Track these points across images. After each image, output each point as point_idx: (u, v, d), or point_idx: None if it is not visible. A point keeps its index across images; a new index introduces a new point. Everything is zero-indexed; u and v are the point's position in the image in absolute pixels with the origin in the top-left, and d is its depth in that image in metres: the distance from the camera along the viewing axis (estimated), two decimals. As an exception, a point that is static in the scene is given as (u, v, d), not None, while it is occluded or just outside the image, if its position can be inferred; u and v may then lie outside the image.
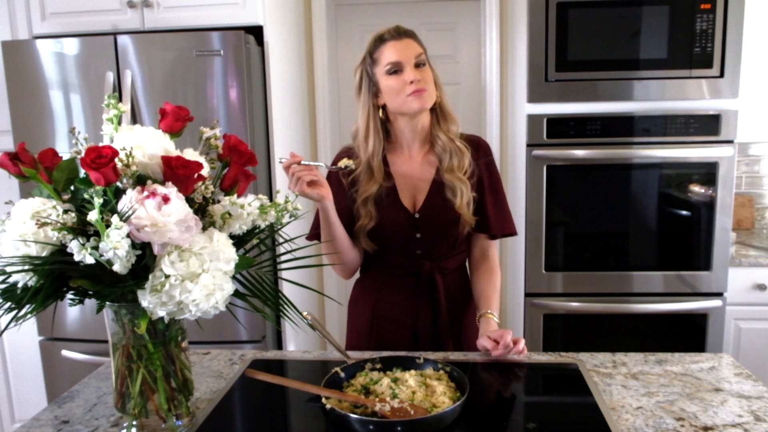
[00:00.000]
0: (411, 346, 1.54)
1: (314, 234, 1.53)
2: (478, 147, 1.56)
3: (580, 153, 2.33)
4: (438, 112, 1.52)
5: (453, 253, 1.57)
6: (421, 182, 1.52)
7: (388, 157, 1.53)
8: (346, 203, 1.51)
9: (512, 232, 1.59)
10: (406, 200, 1.51)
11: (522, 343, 1.33)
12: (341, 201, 1.50)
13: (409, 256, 1.53)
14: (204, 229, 0.94)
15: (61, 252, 0.89)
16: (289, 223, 1.05)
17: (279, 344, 2.52)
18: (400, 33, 1.45)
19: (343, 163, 1.40)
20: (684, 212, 2.40)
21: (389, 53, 1.44)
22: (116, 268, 0.85)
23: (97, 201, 0.84)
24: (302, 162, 1.33)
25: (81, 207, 0.92)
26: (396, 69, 1.43)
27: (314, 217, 1.53)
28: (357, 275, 1.66)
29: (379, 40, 1.46)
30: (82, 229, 0.88)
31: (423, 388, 1.12)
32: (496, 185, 1.57)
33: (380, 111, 1.50)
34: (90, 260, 0.83)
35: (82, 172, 0.91)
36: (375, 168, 1.49)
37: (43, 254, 0.89)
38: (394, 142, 1.54)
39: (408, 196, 1.52)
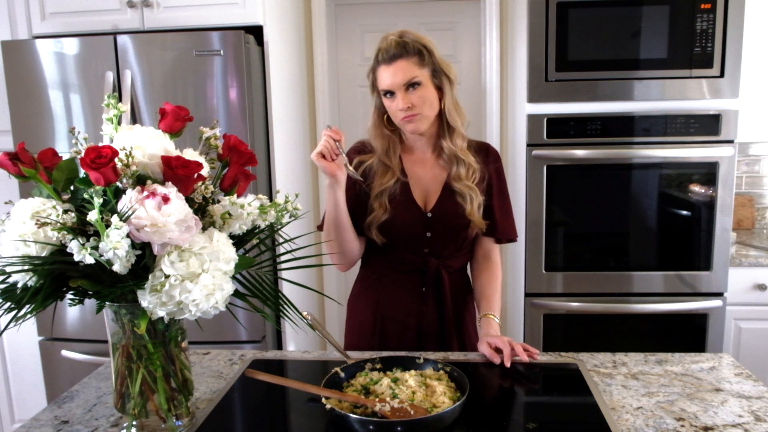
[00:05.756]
0: (415, 346, 1.54)
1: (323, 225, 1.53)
2: (488, 153, 1.58)
3: (580, 153, 2.33)
4: (444, 119, 1.50)
5: (459, 253, 1.58)
6: (434, 183, 1.53)
7: (402, 155, 1.55)
8: (356, 194, 1.51)
9: (514, 238, 1.63)
10: (418, 199, 1.52)
11: (524, 355, 1.33)
12: (350, 191, 1.50)
13: (416, 253, 1.54)
14: (204, 229, 0.94)
15: (60, 252, 0.89)
16: (289, 223, 1.05)
17: (279, 344, 2.52)
18: (391, 57, 1.41)
19: (352, 171, 1.43)
20: (684, 212, 2.40)
21: (381, 78, 1.44)
22: (116, 268, 0.85)
23: (97, 201, 0.84)
24: (336, 140, 1.37)
25: (81, 207, 0.92)
26: (390, 95, 1.44)
27: (325, 209, 1.53)
28: (357, 272, 1.67)
29: (376, 60, 1.45)
30: (82, 229, 0.88)
31: (423, 388, 1.12)
32: (504, 191, 1.60)
33: (387, 120, 1.52)
34: (90, 260, 0.83)
35: (81, 172, 0.91)
36: (393, 165, 1.51)
37: (43, 254, 0.89)
38: (406, 144, 1.56)
39: (420, 195, 1.53)
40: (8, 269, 0.88)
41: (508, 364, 1.31)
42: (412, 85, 1.41)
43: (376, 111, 1.53)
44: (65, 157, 0.96)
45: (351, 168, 1.42)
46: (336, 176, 1.39)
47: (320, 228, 1.55)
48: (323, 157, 1.36)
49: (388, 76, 1.42)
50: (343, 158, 1.39)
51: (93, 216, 0.83)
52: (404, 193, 1.51)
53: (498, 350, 1.35)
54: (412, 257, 1.54)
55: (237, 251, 0.95)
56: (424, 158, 1.55)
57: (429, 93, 1.44)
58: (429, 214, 1.52)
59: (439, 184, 1.53)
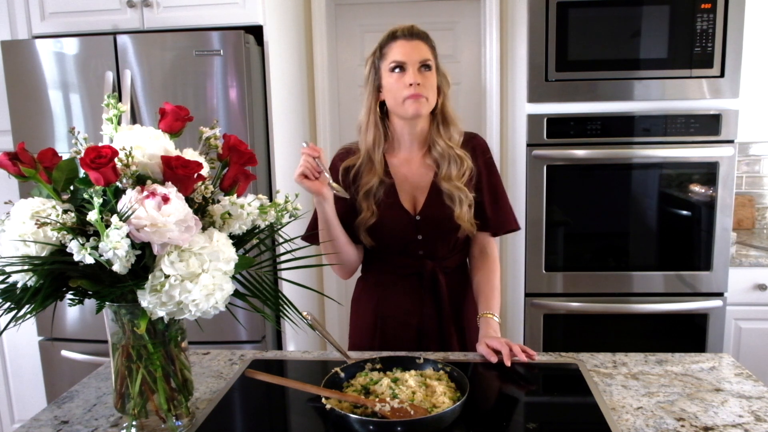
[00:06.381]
0: (416, 346, 1.54)
1: (310, 235, 1.51)
2: (475, 146, 1.55)
3: (580, 153, 2.33)
4: (439, 117, 1.50)
5: (454, 252, 1.58)
6: (420, 185, 1.52)
7: (386, 157, 1.53)
8: (345, 205, 1.50)
9: (514, 228, 1.60)
10: (405, 201, 1.51)
11: (522, 355, 1.33)
12: (339, 203, 1.48)
13: (411, 255, 1.53)
14: (204, 229, 0.94)
15: (60, 252, 0.89)
16: (289, 223, 1.05)
17: (279, 344, 2.52)
18: (412, 34, 1.45)
19: (336, 188, 1.37)
20: (684, 212, 2.40)
21: (396, 51, 1.44)
22: (116, 268, 0.85)
23: (97, 201, 0.84)
24: (316, 157, 1.33)
25: (81, 207, 0.91)
26: (399, 69, 1.43)
27: (311, 218, 1.53)
28: (358, 274, 1.66)
29: (391, 36, 1.46)
30: (82, 229, 0.88)
31: (423, 388, 1.12)
32: (495, 183, 1.57)
33: (379, 108, 1.50)
34: (90, 260, 0.83)
35: (81, 172, 0.91)
36: (375, 161, 1.50)
37: (43, 254, 0.89)
38: (392, 143, 1.54)
39: (407, 197, 1.52)
40: (8, 269, 0.88)
41: (508, 363, 1.31)
42: (425, 65, 1.43)
43: (371, 96, 1.50)
44: (65, 157, 0.96)
45: (335, 185, 1.37)
46: (322, 194, 1.37)
47: (304, 238, 1.50)
48: (306, 177, 1.34)
49: (406, 51, 1.43)
50: (326, 176, 1.35)
51: (93, 216, 0.83)
52: (391, 196, 1.50)
53: (497, 352, 1.35)
54: (407, 260, 1.54)
55: (237, 251, 0.95)
56: (410, 158, 1.53)
57: (435, 82, 1.46)
58: (418, 218, 1.50)
59: (426, 184, 1.52)
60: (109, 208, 0.88)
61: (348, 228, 1.50)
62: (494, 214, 1.56)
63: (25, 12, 2.37)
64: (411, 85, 1.41)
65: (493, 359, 1.32)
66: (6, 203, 0.97)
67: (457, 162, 1.49)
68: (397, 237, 1.51)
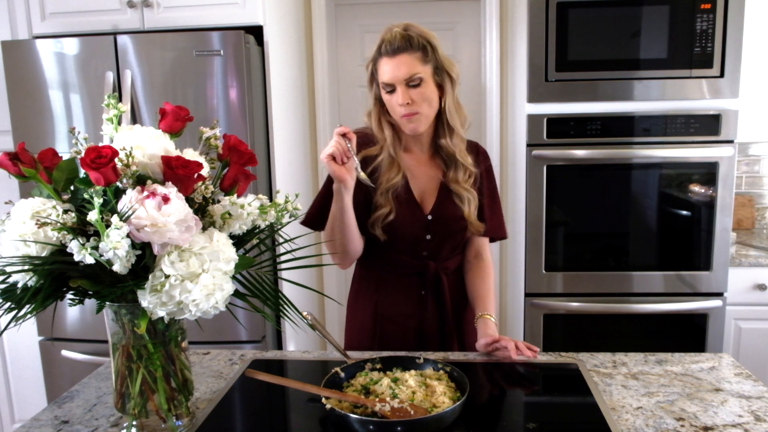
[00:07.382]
0: (416, 347, 1.54)
1: (311, 222, 1.51)
2: (478, 153, 1.58)
3: (580, 153, 2.33)
4: (443, 118, 1.48)
5: (454, 254, 1.58)
6: (431, 184, 1.52)
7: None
8: (361, 193, 1.47)
9: (504, 236, 1.63)
10: (418, 200, 1.51)
11: (528, 352, 1.34)
12: (357, 192, 1.44)
13: (415, 256, 1.53)
14: (204, 229, 0.94)
15: (61, 252, 0.89)
16: (289, 223, 1.05)
17: (279, 344, 2.52)
18: (395, 49, 1.38)
19: (364, 178, 1.36)
20: (684, 212, 2.40)
21: (383, 71, 1.40)
22: (116, 268, 0.85)
23: (97, 201, 0.84)
24: (349, 142, 1.31)
25: (81, 207, 0.92)
26: (389, 89, 1.41)
27: (312, 202, 1.52)
28: (354, 275, 1.66)
29: (378, 52, 1.42)
30: (82, 229, 0.88)
31: (423, 388, 1.12)
32: (494, 190, 1.60)
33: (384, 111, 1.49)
34: (90, 260, 0.83)
35: (82, 172, 0.91)
36: (398, 156, 1.48)
37: (43, 254, 0.89)
38: (402, 142, 1.53)
39: (419, 196, 1.51)
40: (8, 269, 0.88)
41: (515, 357, 1.32)
42: (413, 80, 1.39)
43: (377, 103, 1.49)
44: (65, 157, 0.96)
45: (363, 174, 1.34)
46: (345, 181, 1.33)
47: (305, 224, 1.50)
48: (333, 159, 1.31)
49: (390, 69, 1.39)
50: (355, 161, 1.33)
51: (93, 216, 0.83)
52: (407, 193, 1.49)
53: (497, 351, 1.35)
54: (410, 260, 1.53)
55: (237, 251, 0.95)
56: (420, 158, 1.54)
57: (430, 91, 1.41)
58: (429, 217, 1.50)
59: (436, 185, 1.52)
60: (109, 208, 0.88)
61: (361, 222, 1.47)
62: (491, 219, 1.58)
63: (25, 12, 2.37)
64: (402, 105, 1.40)
65: (492, 338, 1.36)
66: (6, 203, 0.98)
67: (462, 166, 1.50)
68: (408, 236, 1.50)
